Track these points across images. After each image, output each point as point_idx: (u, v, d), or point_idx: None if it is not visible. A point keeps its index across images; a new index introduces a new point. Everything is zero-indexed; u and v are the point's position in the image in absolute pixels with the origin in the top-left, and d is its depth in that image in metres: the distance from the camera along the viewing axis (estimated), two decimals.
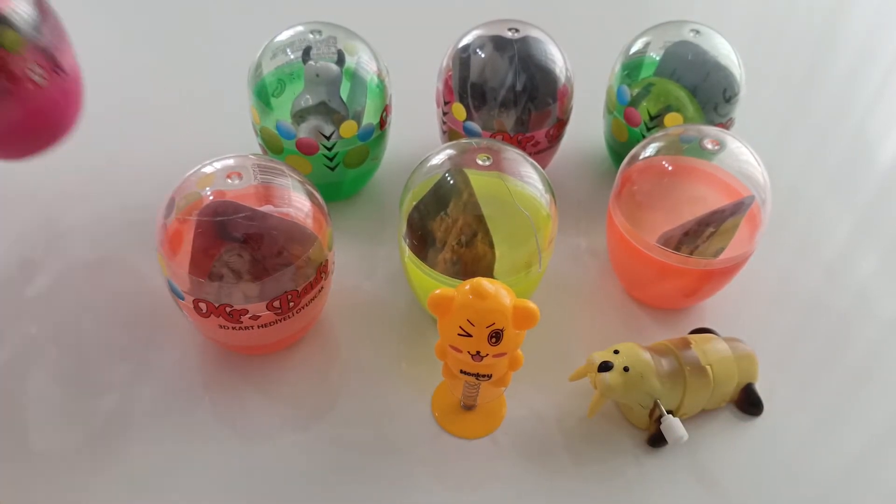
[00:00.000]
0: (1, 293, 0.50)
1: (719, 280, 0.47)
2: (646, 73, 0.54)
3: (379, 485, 0.41)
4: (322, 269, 0.43)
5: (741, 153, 0.46)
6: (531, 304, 0.35)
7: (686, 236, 0.45)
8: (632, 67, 0.55)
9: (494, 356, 0.36)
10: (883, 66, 0.76)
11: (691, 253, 0.45)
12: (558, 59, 0.53)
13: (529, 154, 0.46)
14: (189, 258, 0.41)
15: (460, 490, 0.41)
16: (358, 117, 0.51)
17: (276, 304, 0.42)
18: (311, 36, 0.51)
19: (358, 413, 0.44)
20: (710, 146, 0.46)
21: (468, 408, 0.45)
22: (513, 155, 0.45)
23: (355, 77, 0.51)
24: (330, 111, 0.50)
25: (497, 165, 0.44)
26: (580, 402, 0.45)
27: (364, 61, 0.52)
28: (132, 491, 0.41)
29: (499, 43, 0.52)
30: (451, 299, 0.35)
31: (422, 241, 0.44)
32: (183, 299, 0.42)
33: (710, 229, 0.45)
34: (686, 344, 0.44)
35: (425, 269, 0.44)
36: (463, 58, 0.53)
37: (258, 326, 0.42)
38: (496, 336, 0.35)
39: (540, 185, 0.44)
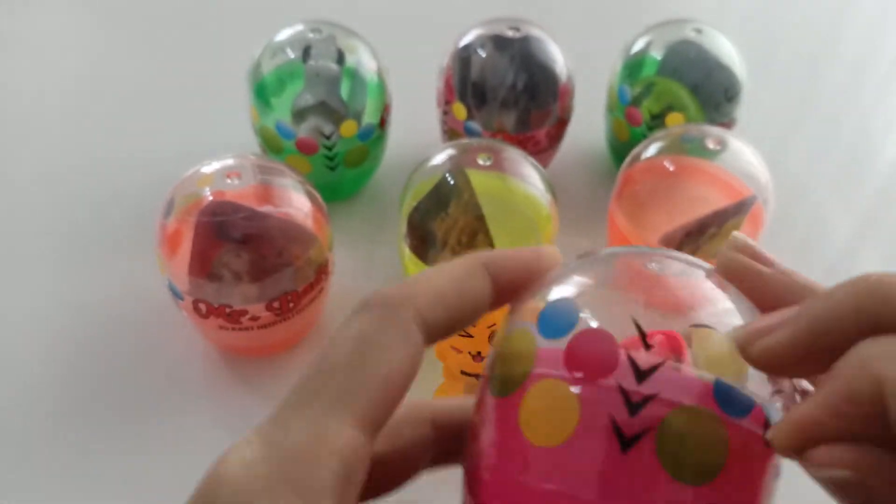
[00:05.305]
0: None
1: None
2: (647, 72, 0.54)
3: None
4: (322, 270, 0.43)
5: (743, 153, 0.46)
6: None
7: (687, 237, 0.45)
8: (633, 66, 0.55)
9: None
10: (887, 66, 0.76)
11: (693, 253, 0.45)
12: (559, 58, 0.53)
13: (530, 154, 0.46)
14: (188, 258, 0.40)
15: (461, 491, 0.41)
16: (358, 117, 0.51)
17: (276, 304, 0.41)
18: (310, 35, 0.51)
19: None
20: (711, 146, 0.46)
21: None
22: (513, 155, 0.44)
23: (355, 76, 0.51)
24: (330, 110, 0.50)
25: (498, 165, 0.43)
26: None
27: (364, 60, 0.51)
28: (128, 494, 0.40)
29: (499, 42, 0.52)
30: None
31: (422, 241, 0.43)
32: (182, 300, 0.42)
33: (712, 230, 0.45)
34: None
35: None
36: (463, 57, 0.53)
37: (258, 327, 0.42)
38: None
39: (540, 185, 0.44)
